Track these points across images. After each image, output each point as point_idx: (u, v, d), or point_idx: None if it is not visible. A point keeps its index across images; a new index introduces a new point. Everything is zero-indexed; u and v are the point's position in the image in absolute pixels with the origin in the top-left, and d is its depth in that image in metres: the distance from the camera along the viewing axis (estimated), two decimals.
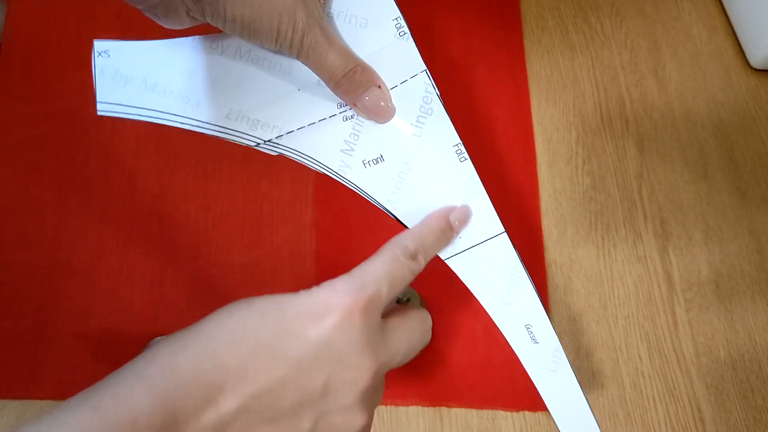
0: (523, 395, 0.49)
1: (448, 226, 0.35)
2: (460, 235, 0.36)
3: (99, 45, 0.37)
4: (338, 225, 0.55)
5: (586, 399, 0.37)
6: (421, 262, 0.32)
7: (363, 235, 0.54)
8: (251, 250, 0.53)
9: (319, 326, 0.28)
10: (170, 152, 0.57)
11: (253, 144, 0.37)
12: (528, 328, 0.36)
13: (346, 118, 0.36)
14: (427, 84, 0.35)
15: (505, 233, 0.36)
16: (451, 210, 0.35)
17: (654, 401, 0.50)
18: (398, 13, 0.36)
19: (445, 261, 0.36)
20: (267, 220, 0.54)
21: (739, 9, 0.65)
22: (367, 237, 0.54)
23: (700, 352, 0.52)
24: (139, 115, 0.36)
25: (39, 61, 0.59)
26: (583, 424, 0.36)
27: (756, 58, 0.64)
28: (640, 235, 0.56)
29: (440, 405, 0.49)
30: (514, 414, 0.49)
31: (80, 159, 0.56)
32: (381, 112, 0.35)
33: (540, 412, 0.49)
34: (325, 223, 0.55)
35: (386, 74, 0.36)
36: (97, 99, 0.36)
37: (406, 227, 0.36)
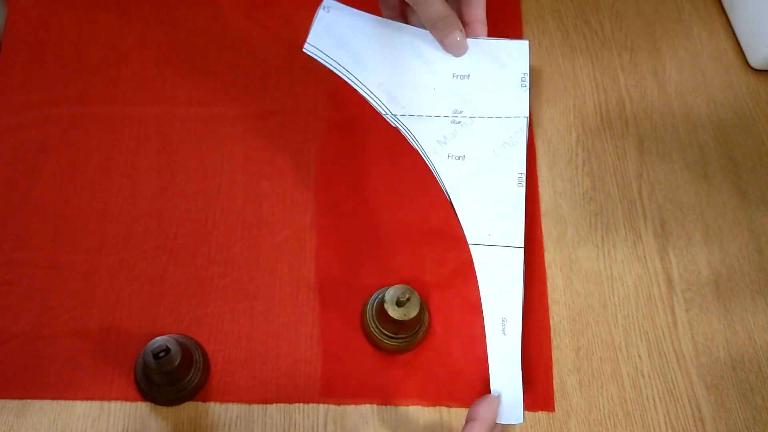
0: (523, 395, 0.49)
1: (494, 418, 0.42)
2: (489, 233, 0.44)
3: (327, 2, 0.48)
4: (338, 225, 0.55)
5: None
6: None
7: (363, 235, 0.54)
8: (251, 250, 0.53)
9: None
10: (171, 153, 0.57)
11: (383, 113, 0.47)
12: (503, 321, 0.43)
13: (454, 122, 0.46)
14: (523, 128, 0.46)
15: (522, 249, 0.43)
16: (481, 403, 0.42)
17: (654, 401, 0.50)
18: (527, 70, 0.47)
19: (470, 245, 0.43)
20: (267, 220, 0.54)
21: (739, 10, 0.66)
22: (367, 237, 0.54)
23: (699, 352, 0.52)
24: (327, 63, 0.47)
25: (40, 62, 0.60)
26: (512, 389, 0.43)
27: (756, 59, 0.64)
28: (640, 236, 0.56)
29: (440, 405, 0.49)
30: None
31: (81, 159, 0.56)
32: (457, 47, 0.46)
33: (540, 411, 0.49)
34: (325, 223, 0.55)
35: (500, 105, 0.46)
36: (308, 41, 0.47)
37: (455, 212, 0.44)
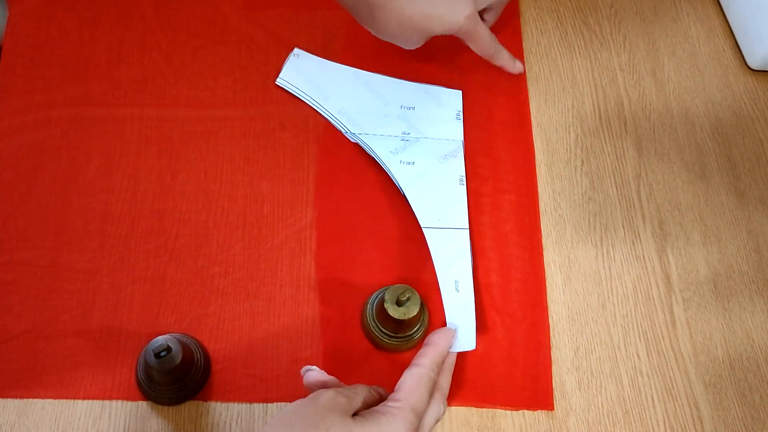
0: (523, 394, 0.49)
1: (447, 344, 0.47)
2: (438, 218, 0.54)
3: (297, 51, 0.62)
4: (338, 225, 0.55)
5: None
6: (445, 393, 0.45)
7: (363, 235, 0.55)
8: (251, 250, 0.53)
9: None
10: (171, 154, 0.57)
11: (343, 131, 0.59)
12: (456, 282, 0.51)
13: (404, 140, 0.58)
14: (460, 147, 0.59)
15: (468, 230, 0.54)
16: (438, 332, 0.47)
17: (652, 400, 0.50)
18: (461, 108, 0.61)
19: (423, 228, 0.53)
20: (267, 220, 0.55)
21: (737, 10, 0.66)
22: (366, 237, 0.55)
23: (698, 351, 0.52)
24: (297, 93, 0.60)
25: (41, 64, 0.60)
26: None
27: (754, 59, 0.64)
28: (639, 235, 0.56)
29: None
30: (514, 412, 0.49)
31: (82, 160, 0.56)
32: (510, 66, 0.59)
33: (540, 410, 0.49)
34: (325, 223, 0.55)
35: (440, 130, 0.60)
36: (280, 76, 0.61)
37: (409, 204, 0.55)
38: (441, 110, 0.61)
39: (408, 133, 0.59)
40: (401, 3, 0.51)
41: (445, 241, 0.53)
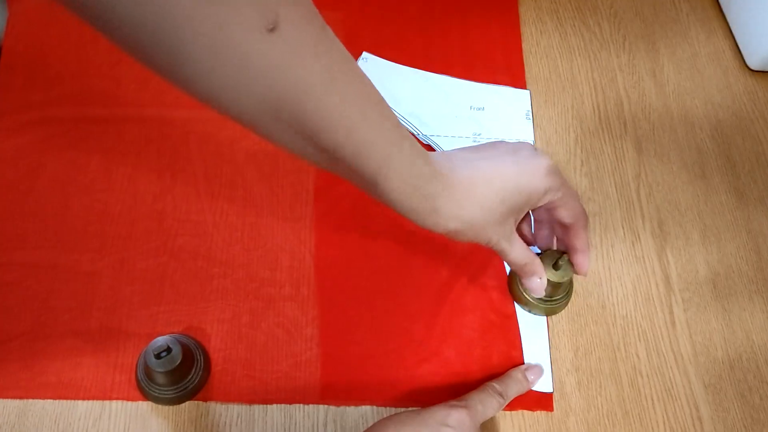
0: (522, 395, 0.49)
1: (525, 378, 0.49)
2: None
3: (365, 54, 0.62)
4: (338, 225, 0.55)
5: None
6: (505, 398, 0.47)
7: (363, 235, 0.55)
8: (251, 250, 0.53)
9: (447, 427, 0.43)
10: (172, 154, 0.57)
11: (415, 132, 0.59)
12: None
13: (475, 141, 0.58)
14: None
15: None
16: (528, 367, 0.50)
17: (652, 400, 0.50)
18: (530, 108, 0.61)
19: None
20: (267, 220, 0.55)
21: (736, 11, 0.66)
22: (366, 237, 0.55)
23: (697, 352, 0.52)
24: None
25: (41, 64, 0.60)
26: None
27: (753, 60, 0.64)
28: (638, 236, 0.56)
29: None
30: (513, 413, 0.49)
31: (82, 161, 0.56)
32: (535, 290, 0.49)
33: (539, 411, 0.49)
34: (325, 223, 0.55)
35: (510, 131, 0.60)
36: None
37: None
38: (510, 110, 0.61)
39: (479, 134, 0.59)
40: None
41: None
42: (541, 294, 0.50)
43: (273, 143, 0.36)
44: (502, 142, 0.45)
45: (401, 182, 0.38)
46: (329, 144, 0.35)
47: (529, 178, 0.43)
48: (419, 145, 0.39)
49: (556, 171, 0.45)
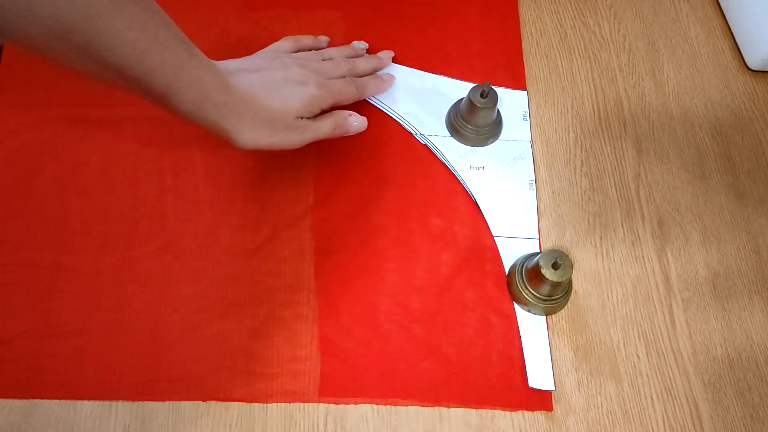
0: (522, 395, 0.50)
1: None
2: (510, 227, 0.55)
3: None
4: (338, 225, 0.55)
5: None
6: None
7: (363, 235, 0.55)
8: (251, 251, 0.54)
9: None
10: (172, 155, 0.57)
11: (413, 131, 0.59)
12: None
13: (473, 147, 0.59)
14: (528, 148, 0.59)
15: (538, 240, 0.55)
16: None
17: (652, 399, 0.50)
18: (527, 108, 0.61)
19: (495, 237, 0.55)
20: (268, 220, 0.55)
21: (736, 10, 0.66)
22: (366, 237, 0.55)
23: (697, 351, 0.52)
24: (368, 99, 0.60)
25: (41, 63, 0.60)
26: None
27: (753, 59, 0.64)
28: (638, 236, 0.56)
29: (439, 405, 0.49)
30: (513, 413, 0.49)
31: (82, 160, 0.56)
32: (359, 124, 0.56)
33: (538, 411, 0.49)
34: (325, 223, 0.55)
35: (508, 132, 0.60)
36: None
37: (480, 211, 0.56)
38: (507, 111, 0.61)
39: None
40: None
41: (516, 252, 0.54)
42: (361, 125, 0.55)
43: (67, 68, 0.38)
44: (278, 57, 0.53)
45: (192, 97, 0.43)
46: (120, 66, 0.38)
47: (291, 106, 0.49)
48: (207, 59, 0.44)
49: (312, 100, 0.51)
